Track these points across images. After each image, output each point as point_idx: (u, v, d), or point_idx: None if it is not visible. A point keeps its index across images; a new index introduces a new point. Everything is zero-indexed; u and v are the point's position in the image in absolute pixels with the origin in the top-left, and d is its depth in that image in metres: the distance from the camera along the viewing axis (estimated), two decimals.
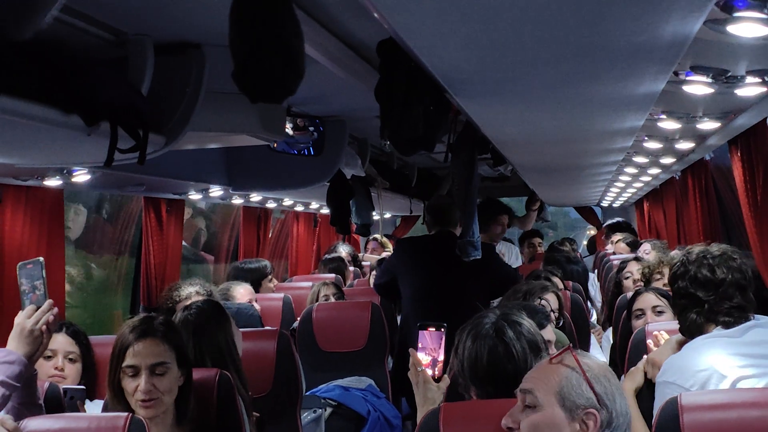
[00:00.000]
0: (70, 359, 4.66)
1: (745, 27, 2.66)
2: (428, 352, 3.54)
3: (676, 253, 4.10)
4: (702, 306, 3.78)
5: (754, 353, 3.67)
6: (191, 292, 5.96)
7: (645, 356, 4.09)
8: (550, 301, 5.28)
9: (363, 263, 10.85)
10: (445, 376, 3.54)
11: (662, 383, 3.70)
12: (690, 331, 3.81)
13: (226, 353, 4.35)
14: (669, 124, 4.71)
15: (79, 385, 4.56)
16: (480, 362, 3.34)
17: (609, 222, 11.34)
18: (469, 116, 4.27)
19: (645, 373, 4.01)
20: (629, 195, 11.59)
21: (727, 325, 3.74)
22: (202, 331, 4.32)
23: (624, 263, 7.32)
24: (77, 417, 3.74)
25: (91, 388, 4.73)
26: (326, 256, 10.33)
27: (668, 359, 3.79)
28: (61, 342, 4.62)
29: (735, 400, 3.32)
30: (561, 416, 2.85)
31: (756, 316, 3.82)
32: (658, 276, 6.05)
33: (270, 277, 8.00)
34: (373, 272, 8.68)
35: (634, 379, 3.99)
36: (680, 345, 3.93)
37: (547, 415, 2.86)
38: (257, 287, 7.63)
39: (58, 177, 4.77)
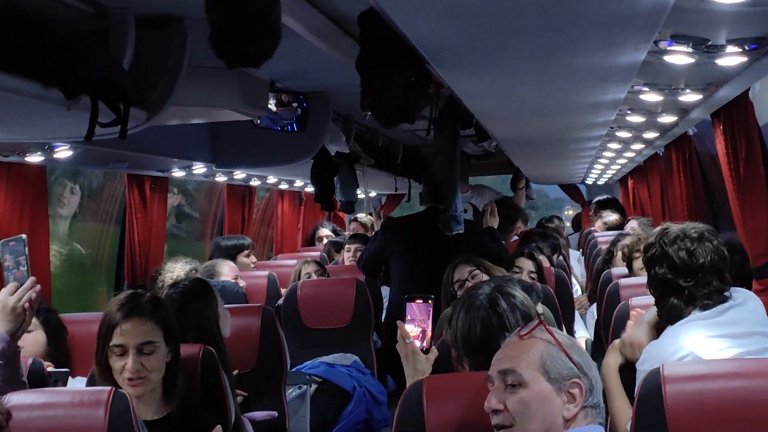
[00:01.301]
0: (27, 330, 4.65)
1: None
2: (417, 324, 3.55)
3: (669, 224, 4.06)
4: (682, 292, 3.78)
5: (732, 333, 3.67)
6: (180, 273, 5.98)
7: (620, 338, 4.08)
8: (524, 266, 5.29)
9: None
10: (434, 347, 3.55)
11: (643, 372, 3.70)
12: (669, 316, 3.79)
13: (208, 333, 4.35)
14: (651, 97, 4.71)
15: (62, 368, 4.56)
16: (473, 333, 3.36)
17: (599, 198, 11.35)
18: (451, 88, 4.27)
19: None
20: (614, 172, 11.60)
21: (706, 308, 3.74)
22: (185, 309, 4.33)
23: (617, 238, 7.37)
24: (60, 392, 3.74)
25: (68, 363, 4.74)
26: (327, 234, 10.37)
27: (647, 347, 3.79)
28: None
29: (717, 370, 3.33)
30: (549, 389, 2.86)
31: (733, 290, 3.82)
32: (638, 254, 6.09)
33: (247, 252, 7.94)
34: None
35: (616, 355, 3.99)
36: (653, 323, 3.94)
37: (535, 391, 2.86)
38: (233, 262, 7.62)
39: (39, 153, 4.76)
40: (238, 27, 2.52)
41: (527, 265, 5.87)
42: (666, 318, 3.81)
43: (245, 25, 2.51)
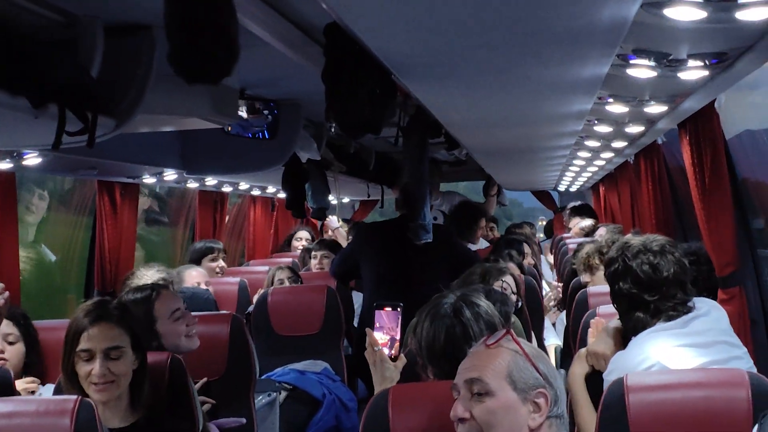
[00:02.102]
0: (10, 342, 4.64)
1: (682, 11, 2.69)
2: (385, 332, 3.57)
3: (629, 237, 4.09)
4: (647, 306, 3.80)
5: (697, 343, 3.70)
6: (151, 280, 5.95)
7: (585, 348, 4.10)
8: (510, 284, 5.32)
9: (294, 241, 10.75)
10: (402, 355, 3.57)
11: (609, 382, 3.73)
12: (635, 329, 3.81)
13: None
14: (617, 108, 4.75)
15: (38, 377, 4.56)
16: (437, 342, 3.37)
17: (573, 204, 11.39)
18: (417, 98, 4.29)
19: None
20: (585, 179, 11.66)
21: (671, 319, 3.77)
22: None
23: (580, 246, 7.40)
24: (26, 401, 3.74)
25: (41, 371, 4.73)
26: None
27: (614, 357, 3.81)
28: None
29: (680, 380, 3.37)
30: (515, 399, 2.88)
31: (696, 300, 3.86)
32: (598, 261, 6.13)
33: (212, 256, 7.86)
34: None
35: (582, 364, 4.02)
36: (616, 332, 3.97)
37: (501, 400, 2.87)
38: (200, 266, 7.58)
39: (8, 160, 4.75)
40: (195, 46, 2.53)
41: (512, 284, 5.84)
42: (632, 331, 3.83)
43: (202, 44, 2.52)
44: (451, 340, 3.35)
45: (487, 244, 10.24)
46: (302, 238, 10.50)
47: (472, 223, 8.93)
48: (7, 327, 4.63)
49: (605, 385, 3.64)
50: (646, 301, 3.79)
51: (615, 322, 3.98)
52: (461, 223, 8.62)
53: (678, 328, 3.74)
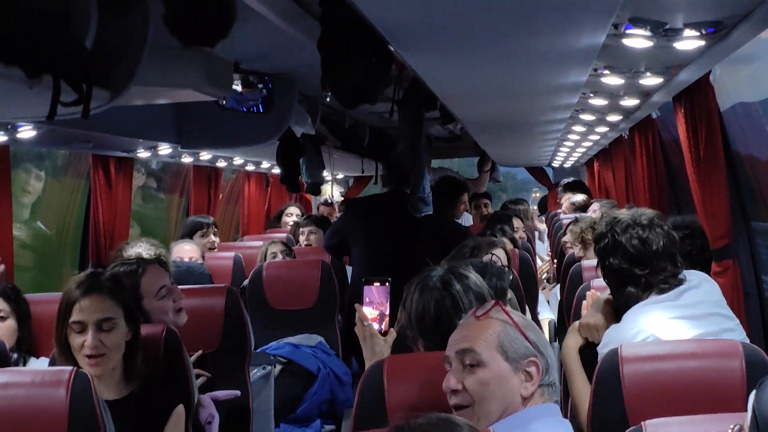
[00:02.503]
0: (0, 317, 4.64)
1: None
2: (375, 307, 3.57)
3: (618, 212, 4.10)
4: (638, 280, 3.81)
5: (690, 315, 3.72)
6: (139, 252, 5.94)
7: (578, 321, 4.12)
8: (501, 256, 5.32)
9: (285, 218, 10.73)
10: (392, 329, 3.57)
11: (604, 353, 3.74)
12: (627, 303, 3.83)
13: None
14: (613, 80, 4.74)
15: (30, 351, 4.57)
16: (427, 314, 3.37)
17: (565, 181, 11.40)
18: (413, 69, 4.29)
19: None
20: (579, 155, 11.66)
21: (663, 291, 3.79)
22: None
23: (574, 221, 7.43)
24: (21, 371, 3.76)
25: (33, 345, 4.73)
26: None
27: (608, 330, 3.83)
28: None
29: (673, 351, 3.39)
30: (507, 368, 2.89)
31: (687, 273, 3.87)
32: (591, 237, 6.15)
33: (203, 232, 7.90)
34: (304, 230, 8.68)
35: (575, 336, 4.04)
36: (608, 304, 3.98)
37: (494, 370, 2.88)
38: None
39: (2, 132, 4.74)
40: (191, 5, 2.52)
41: (503, 257, 5.86)
42: (624, 306, 3.85)
43: (197, 5, 2.51)
44: (441, 313, 3.36)
45: (471, 222, 10.25)
46: (292, 213, 10.49)
47: (453, 197, 8.84)
48: None
49: (599, 358, 3.66)
50: (636, 276, 3.81)
51: (607, 294, 4.00)
52: (441, 198, 8.50)
53: (670, 301, 3.76)
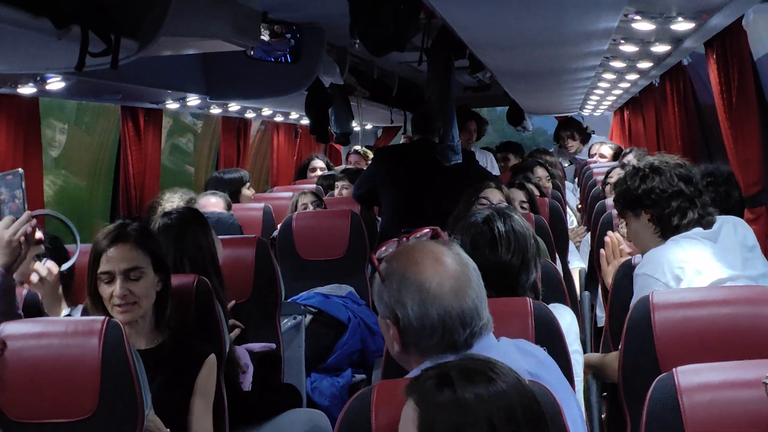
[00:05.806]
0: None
1: None
2: None
3: (638, 163, 4.12)
4: (691, 199, 3.83)
5: (727, 258, 3.72)
6: (179, 203, 5.97)
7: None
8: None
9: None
10: None
11: (640, 275, 3.74)
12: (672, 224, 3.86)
13: (207, 258, 4.36)
14: (644, 26, 4.69)
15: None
16: (464, 249, 3.37)
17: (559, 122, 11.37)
18: (442, 16, 4.25)
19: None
20: (609, 103, 11.59)
21: (708, 225, 3.79)
22: (183, 235, 4.33)
23: (611, 170, 7.42)
24: (54, 321, 3.77)
25: (70, 293, 4.75)
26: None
27: (649, 252, 3.83)
28: None
29: (705, 298, 3.38)
30: None
31: (719, 218, 3.89)
32: None
33: (248, 185, 8.02)
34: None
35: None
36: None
37: None
38: (237, 196, 7.66)
39: (32, 84, 4.74)
40: None
41: (518, 195, 5.88)
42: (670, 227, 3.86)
43: None
44: (477, 248, 3.34)
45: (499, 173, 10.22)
46: (317, 168, 10.48)
47: (459, 125, 8.74)
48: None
49: (635, 279, 3.68)
50: (686, 195, 3.84)
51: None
52: None
53: (711, 240, 3.77)
